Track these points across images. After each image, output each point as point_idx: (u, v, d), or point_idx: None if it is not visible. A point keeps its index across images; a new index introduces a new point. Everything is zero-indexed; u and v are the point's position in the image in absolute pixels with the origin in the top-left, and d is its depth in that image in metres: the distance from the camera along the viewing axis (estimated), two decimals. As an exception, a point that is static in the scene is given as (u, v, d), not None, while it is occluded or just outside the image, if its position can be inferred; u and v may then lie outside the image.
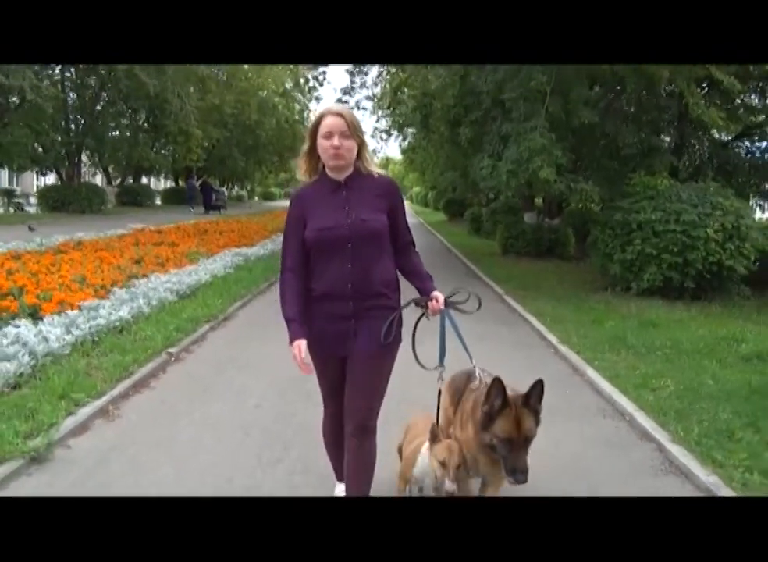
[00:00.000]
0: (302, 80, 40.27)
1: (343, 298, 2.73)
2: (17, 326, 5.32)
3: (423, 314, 2.89)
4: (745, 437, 4.22)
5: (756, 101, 11.39)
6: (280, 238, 3.01)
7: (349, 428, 2.87)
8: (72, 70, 25.37)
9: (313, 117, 2.85)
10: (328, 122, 2.67)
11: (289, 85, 41.12)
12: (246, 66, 36.66)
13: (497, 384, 2.65)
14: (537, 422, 2.67)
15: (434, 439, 2.82)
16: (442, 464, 2.73)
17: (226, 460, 3.72)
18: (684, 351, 6.54)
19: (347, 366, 2.85)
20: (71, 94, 26.56)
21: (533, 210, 16.55)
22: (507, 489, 2.87)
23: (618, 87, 10.95)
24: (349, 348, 2.79)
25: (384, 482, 3.11)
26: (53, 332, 5.24)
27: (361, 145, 2.78)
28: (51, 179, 41.55)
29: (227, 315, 7.52)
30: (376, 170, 2.85)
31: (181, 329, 6.31)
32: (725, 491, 3.48)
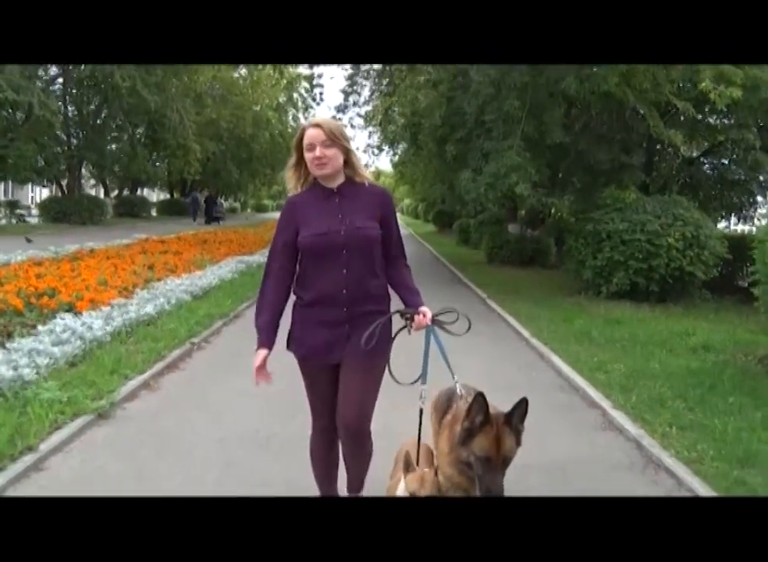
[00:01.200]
0: (295, 96, 41.16)
1: (338, 304, 2.73)
2: (62, 318, 6.22)
3: (405, 327, 2.86)
4: (673, 405, 5.15)
5: (717, 122, 12.39)
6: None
7: (344, 435, 2.86)
8: (74, 86, 26.27)
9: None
10: (309, 134, 2.70)
11: (282, 99, 42.14)
12: (241, 81, 37.80)
13: (479, 399, 2.52)
14: (518, 443, 2.55)
15: (407, 468, 2.65)
16: (413, 496, 2.56)
17: (252, 417, 4.62)
18: (639, 343, 7.48)
19: (341, 372, 2.81)
20: (70, 108, 27.40)
21: (516, 221, 17.53)
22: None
23: (591, 111, 11.98)
24: (342, 354, 2.77)
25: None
26: (95, 323, 6.14)
27: (347, 152, 2.78)
28: (46, 191, 42.52)
29: (237, 313, 8.44)
30: (368, 179, 2.88)
31: (200, 324, 7.23)
32: (647, 440, 4.40)
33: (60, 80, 25.98)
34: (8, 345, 5.27)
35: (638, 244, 10.33)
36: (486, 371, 6.03)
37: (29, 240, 16.06)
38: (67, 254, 12.72)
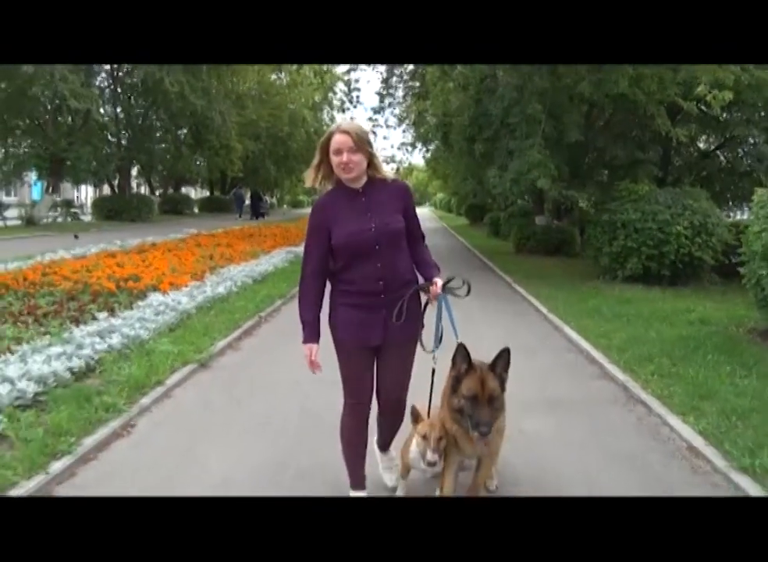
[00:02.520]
0: (331, 96, 42.17)
1: (375, 293, 2.94)
2: (154, 297, 7.55)
3: (428, 301, 3.10)
4: (659, 360, 6.22)
5: (727, 117, 13.30)
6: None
7: (387, 408, 3.19)
8: (124, 92, 27.95)
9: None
10: (337, 140, 2.86)
11: (318, 98, 43.47)
12: (278, 82, 39.26)
13: (462, 350, 2.84)
14: (502, 388, 2.84)
15: (416, 419, 3.03)
16: (424, 438, 2.93)
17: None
18: (643, 317, 8.52)
19: (382, 353, 3.07)
20: (119, 112, 29.08)
21: (543, 213, 18.55)
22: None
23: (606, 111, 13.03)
24: (383, 337, 3.00)
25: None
26: (182, 299, 7.45)
27: (371, 156, 2.95)
28: (90, 190, 44.58)
29: (292, 294, 9.71)
30: (389, 175, 3.07)
31: (263, 302, 8.54)
32: (631, 384, 5.53)
33: (110, 86, 27.66)
34: (118, 315, 6.60)
35: (649, 232, 11.29)
36: (508, 339, 7.04)
37: (76, 237, 17.12)
38: (132, 247, 14.16)
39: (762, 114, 12.38)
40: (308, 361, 3.05)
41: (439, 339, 3.09)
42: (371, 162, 2.97)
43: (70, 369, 4.67)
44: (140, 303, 7.24)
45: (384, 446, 3.51)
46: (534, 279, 12.45)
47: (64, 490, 3.34)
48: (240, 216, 34.71)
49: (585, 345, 6.99)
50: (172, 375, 5.24)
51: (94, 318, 6.41)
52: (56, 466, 3.44)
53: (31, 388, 4.17)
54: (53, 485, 3.34)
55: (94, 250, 13.21)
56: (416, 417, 3.05)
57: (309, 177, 3.05)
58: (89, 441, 3.80)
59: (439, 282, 2.99)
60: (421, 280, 3.10)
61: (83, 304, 7.36)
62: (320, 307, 3.04)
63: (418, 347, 3.10)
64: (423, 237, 3.23)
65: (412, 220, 3.10)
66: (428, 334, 3.12)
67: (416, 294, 3.06)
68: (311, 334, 3.02)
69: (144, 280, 8.90)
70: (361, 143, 2.87)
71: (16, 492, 3.12)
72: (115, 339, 5.53)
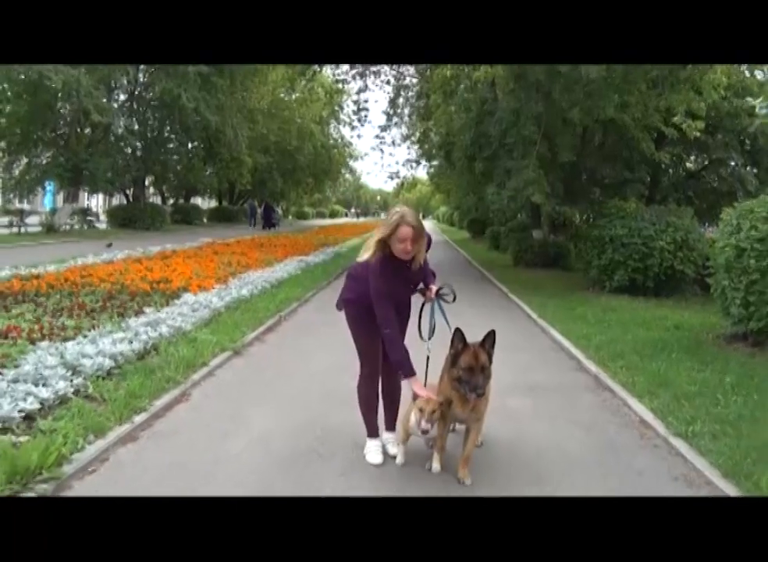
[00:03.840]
0: (342, 116, 42.96)
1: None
2: (186, 297, 8.52)
3: (425, 301, 4.13)
4: (629, 357, 7.14)
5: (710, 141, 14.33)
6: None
7: (389, 371, 4.03)
8: (141, 106, 29.10)
9: (392, 216, 3.70)
10: (405, 231, 3.61)
11: (325, 113, 44.65)
12: (286, 99, 40.44)
13: (458, 333, 3.70)
14: (490, 361, 3.68)
15: (414, 396, 3.76)
16: (421, 411, 3.65)
17: (331, 355, 6.80)
18: (623, 323, 9.45)
19: None
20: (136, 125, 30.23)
21: (540, 228, 19.51)
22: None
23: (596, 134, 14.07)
24: None
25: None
26: (213, 300, 8.43)
27: (421, 239, 3.75)
28: (101, 199, 45.74)
29: (306, 299, 10.71)
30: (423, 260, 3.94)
31: (282, 303, 9.52)
32: (602, 375, 6.48)
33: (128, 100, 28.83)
34: (160, 311, 7.57)
35: (635, 247, 12.24)
36: (499, 340, 8.02)
37: (109, 245, 17.85)
38: (155, 254, 15.16)
39: (741, 138, 13.40)
40: (421, 389, 3.75)
41: (431, 331, 3.97)
42: (419, 251, 3.81)
43: (133, 350, 5.66)
44: (176, 301, 8.22)
45: (389, 424, 4.33)
46: (528, 289, 13.36)
47: (146, 434, 4.34)
48: (253, 226, 36.13)
49: (567, 344, 7.94)
50: (214, 359, 6.21)
51: (140, 312, 7.38)
52: (138, 418, 4.43)
53: (107, 362, 5.15)
54: (138, 431, 4.34)
55: (120, 256, 14.21)
56: (414, 395, 3.79)
57: (369, 250, 3.77)
58: (158, 403, 4.78)
59: (433, 288, 3.98)
60: (420, 285, 4.07)
61: (123, 301, 8.34)
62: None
63: (416, 339, 4.02)
64: (429, 268, 4.16)
65: (427, 269, 4.09)
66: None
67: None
68: (412, 370, 3.74)
69: (174, 282, 9.90)
70: (421, 237, 3.71)
71: (113, 434, 4.10)
72: (164, 329, 6.51)
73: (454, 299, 4.03)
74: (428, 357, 3.97)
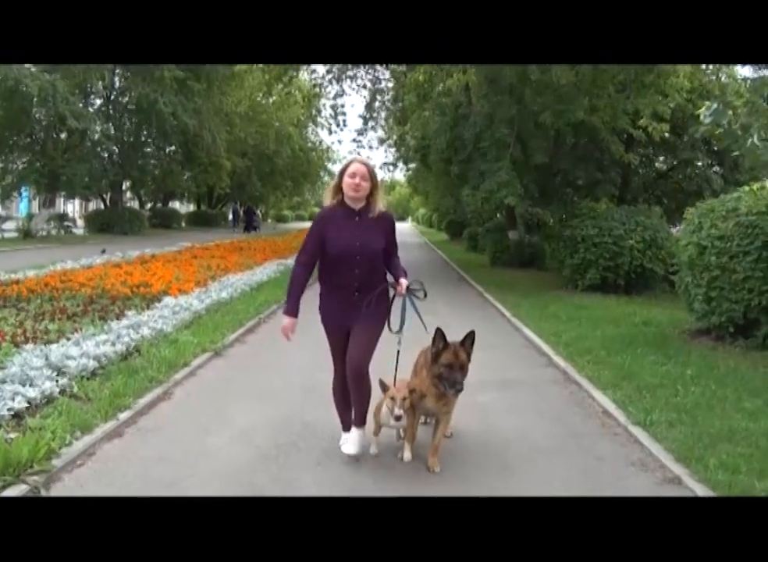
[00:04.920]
0: (315, 113, 43.29)
1: (350, 291, 3.87)
2: (167, 300, 8.68)
3: (394, 295, 4.07)
4: (597, 352, 7.41)
5: (678, 143, 14.77)
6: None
7: (351, 373, 3.90)
8: (119, 111, 29.07)
9: (343, 161, 3.96)
10: (356, 167, 3.76)
11: (303, 116, 44.70)
12: (263, 102, 40.47)
13: (439, 333, 3.88)
14: (468, 358, 3.88)
15: (384, 389, 3.96)
16: (392, 399, 3.85)
17: (310, 354, 7.00)
18: (593, 320, 9.75)
19: (352, 332, 3.92)
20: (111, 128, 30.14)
21: (515, 228, 19.84)
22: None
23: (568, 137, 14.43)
24: (353, 322, 3.89)
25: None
26: (193, 303, 8.60)
27: (374, 188, 3.83)
28: (78, 204, 45.45)
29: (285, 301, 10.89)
30: (381, 208, 3.93)
31: (262, 306, 9.70)
32: (570, 369, 6.75)
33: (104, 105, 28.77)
34: (142, 314, 7.72)
35: (606, 246, 12.60)
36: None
37: (104, 251, 17.22)
38: (134, 259, 15.23)
39: (706, 139, 13.81)
40: (283, 327, 3.97)
41: (401, 325, 4.00)
42: (372, 193, 3.85)
43: (116, 352, 5.83)
44: (157, 305, 8.37)
45: (357, 422, 4.14)
46: (504, 288, 13.62)
47: (131, 430, 4.53)
48: (234, 228, 36.99)
49: (539, 341, 8.21)
50: (195, 359, 6.39)
51: (121, 316, 7.53)
52: (123, 415, 4.61)
53: (91, 363, 5.32)
54: (123, 427, 4.52)
55: (99, 261, 14.29)
56: (384, 388, 3.96)
57: (327, 197, 3.95)
58: (142, 401, 4.97)
59: (404, 283, 3.94)
60: (391, 280, 4.08)
61: (104, 306, 8.48)
62: (303, 290, 3.96)
63: (386, 334, 4.03)
64: (397, 252, 4.15)
65: (391, 243, 4.05)
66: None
67: (385, 292, 4.00)
68: (293, 308, 3.92)
69: (154, 286, 10.04)
70: (372, 175, 3.81)
71: (99, 430, 4.28)
72: (146, 331, 6.68)
73: (425, 295, 4.10)
74: (398, 352, 4.04)
